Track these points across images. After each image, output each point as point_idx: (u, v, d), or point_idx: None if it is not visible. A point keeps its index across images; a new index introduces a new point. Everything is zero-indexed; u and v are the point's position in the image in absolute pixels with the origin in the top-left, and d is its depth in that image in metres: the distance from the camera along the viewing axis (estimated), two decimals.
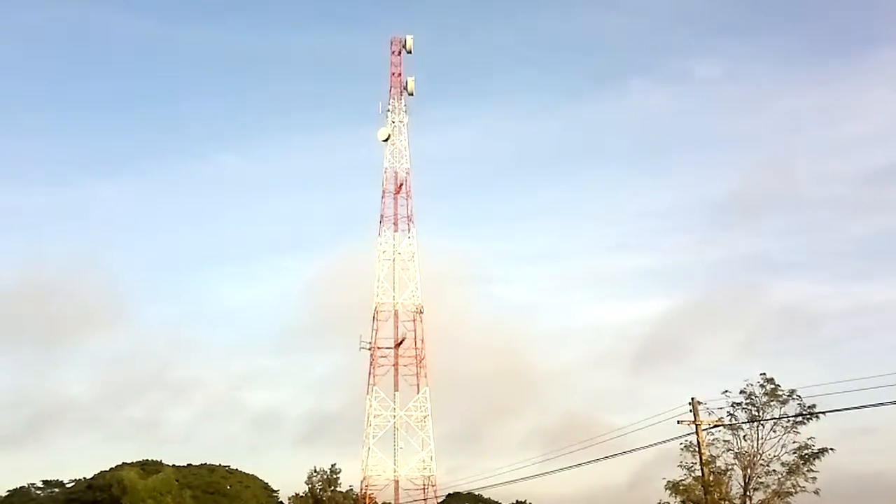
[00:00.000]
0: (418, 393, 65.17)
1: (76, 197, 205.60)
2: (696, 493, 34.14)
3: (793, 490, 33.07)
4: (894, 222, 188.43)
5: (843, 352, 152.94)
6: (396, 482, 63.75)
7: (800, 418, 32.70)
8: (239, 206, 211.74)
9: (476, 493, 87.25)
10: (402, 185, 69.24)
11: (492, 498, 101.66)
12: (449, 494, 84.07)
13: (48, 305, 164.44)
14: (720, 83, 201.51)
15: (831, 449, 32.65)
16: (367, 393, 65.12)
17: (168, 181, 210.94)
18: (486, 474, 61.41)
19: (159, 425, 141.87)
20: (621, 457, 37.95)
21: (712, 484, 33.82)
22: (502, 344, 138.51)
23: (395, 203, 68.96)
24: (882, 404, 26.60)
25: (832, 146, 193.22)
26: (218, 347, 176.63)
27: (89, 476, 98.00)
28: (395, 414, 64.35)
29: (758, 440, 33.68)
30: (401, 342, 66.02)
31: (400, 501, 64.32)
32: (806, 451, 32.75)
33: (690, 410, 34.85)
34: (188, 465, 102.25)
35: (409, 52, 71.65)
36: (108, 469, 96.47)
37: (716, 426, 34.63)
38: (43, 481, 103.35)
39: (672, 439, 35.06)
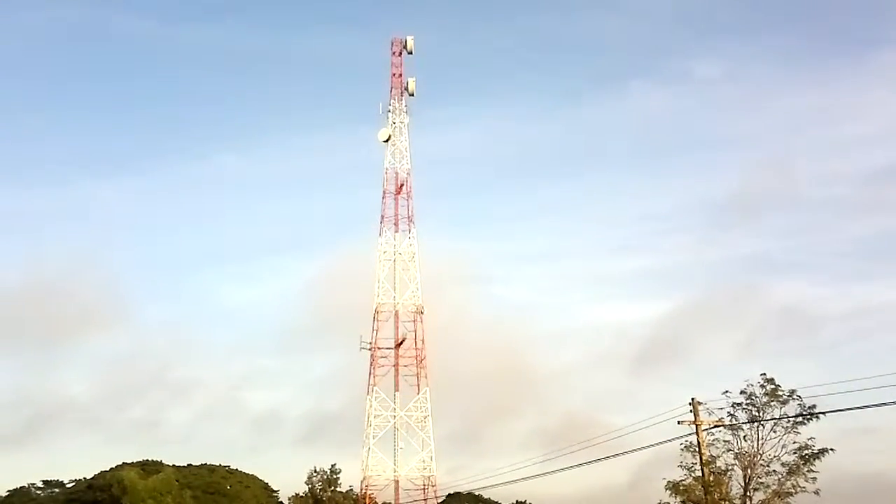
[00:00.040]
0: (418, 393, 65.19)
1: (76, 197, 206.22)
2: (697, 493, 34.16)
3: (793, 490, 33.09)
4: (894, 222, 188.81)
5: (844, 352, 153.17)
6: (396, 482, 63.76)
7: (800, 418, 32.71)
8: (239, 206, 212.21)
9: (476, 494, 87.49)
10: (402, 185, 69.29)
11: (492, 498, 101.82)
12: (449, 495, 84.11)
13: (48, 306, 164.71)
14: (720, 83, 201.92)
15: (831, 449, 32.72)
16: (368, 393, 65.15)
17: (168, 181, 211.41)
18: (486, 474, 61.56)
19: (159, 425, 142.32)
20: (621, 457, 38.12)
21: (712, 484, 33.83)
22: (502, 344, 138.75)
23: (396, 203, 69.07)
24: (882, 404, 26.66)
25: (832, 146, 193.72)
26: (218, 347, 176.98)
27: (89, 476, 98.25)
28: (396, 414, 64.36)
29: (758, 440, 33.72)
30: (401, 342, 66.04)
31: (400, 502, 64.35)
32: (806, 452, 32.76)
33: (691, 411, 34.87)
34: (188, 465, 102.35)
35: (410, 53, 71.69)
36: (108, 469, 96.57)
37: (716, 426, 34.65)
38: (43, 481, 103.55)
39: (672, 439, 35.17)
